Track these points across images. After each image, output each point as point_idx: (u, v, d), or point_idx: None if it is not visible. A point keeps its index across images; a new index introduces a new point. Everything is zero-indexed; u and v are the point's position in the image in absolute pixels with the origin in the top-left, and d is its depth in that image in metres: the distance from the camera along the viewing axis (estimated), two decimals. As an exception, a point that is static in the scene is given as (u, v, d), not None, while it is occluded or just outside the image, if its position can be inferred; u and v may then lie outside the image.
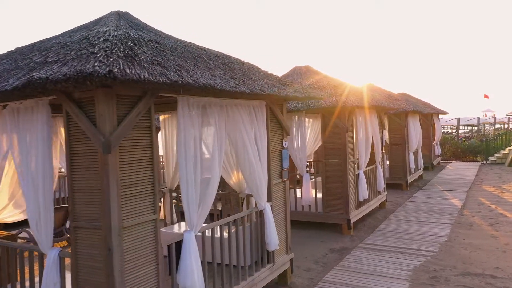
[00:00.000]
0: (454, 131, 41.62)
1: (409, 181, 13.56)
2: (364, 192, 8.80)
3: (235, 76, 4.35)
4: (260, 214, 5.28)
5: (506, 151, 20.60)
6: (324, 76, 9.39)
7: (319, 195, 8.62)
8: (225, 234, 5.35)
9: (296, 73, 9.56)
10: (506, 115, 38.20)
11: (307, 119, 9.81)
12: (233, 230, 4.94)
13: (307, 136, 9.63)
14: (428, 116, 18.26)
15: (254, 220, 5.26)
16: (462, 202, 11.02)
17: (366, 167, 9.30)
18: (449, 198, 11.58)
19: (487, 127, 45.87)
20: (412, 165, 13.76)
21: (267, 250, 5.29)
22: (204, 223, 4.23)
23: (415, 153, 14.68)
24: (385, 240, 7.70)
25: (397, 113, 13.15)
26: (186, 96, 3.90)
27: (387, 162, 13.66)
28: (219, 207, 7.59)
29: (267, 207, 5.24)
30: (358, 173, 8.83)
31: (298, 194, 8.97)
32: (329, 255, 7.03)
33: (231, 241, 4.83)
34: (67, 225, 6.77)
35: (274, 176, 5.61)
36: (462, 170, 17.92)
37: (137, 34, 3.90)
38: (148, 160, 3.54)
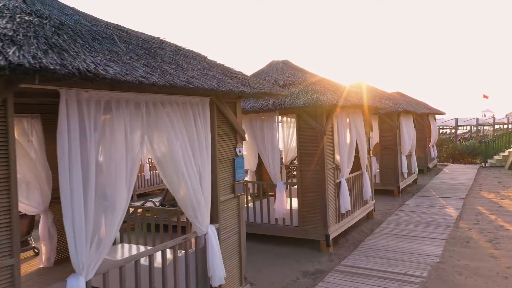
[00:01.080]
0: (453, 131, 40.71)
1: (401, 187, 12.51)
2: (346, 203, 7.74)
3: (154, 64, 3.29)
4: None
5: (506, 153, 19.55)
6: (304, 71, 8.35)
7: (295, 206, 7.57)
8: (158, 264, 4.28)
9: (272, 68, 8.52)
10: (506, 115, 37.13)
11: (289, 120, 8.82)
12: (168, 262, 3.89)
13: (281, 139, 8.56)
14: (424, 116, 17.21)
15: (193, 248, 4.21)
16: (458, 211, 9.97)
17: (349, 174, 8.24)
18: (444, 207, 10.53)
19: (486, 127, 44.85)
20: (405, 170, 12.71)
21: (211, 286, 4.23)
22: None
23: (409, 156, 13.64)
24: (367, 261, 6.63)
25: (389, 113, 12.10)
26: (74, 89, 2.85)
27: (377, 167, 12.61)
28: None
29: (210, 231, 4.18)
30: (340, 182, 7.78)
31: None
32: (300, 281, 5.97)
33: (165, 273, 3.79)
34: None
35: (224, 191, 4.56)
36: (460, 174, 16.88)
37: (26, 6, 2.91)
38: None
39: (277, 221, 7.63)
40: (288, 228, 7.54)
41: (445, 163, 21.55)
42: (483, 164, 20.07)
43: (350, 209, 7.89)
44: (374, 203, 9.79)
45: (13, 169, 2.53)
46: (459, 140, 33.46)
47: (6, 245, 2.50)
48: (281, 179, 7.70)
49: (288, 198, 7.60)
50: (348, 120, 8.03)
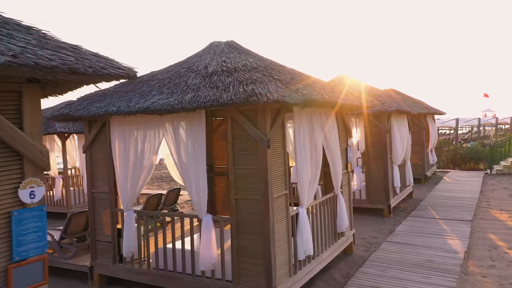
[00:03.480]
0: (452, 131, 38.36)
1: (392, 205, 10.11)
2: (306, 246, 5.33)
3: None
4: None
5: (515, 158, 17.22)
6: (251, 54, 5.95)
7: (228, 256, 5.13)
8: None
9: (210, 50, 6.11)
10: None
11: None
12: None
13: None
14: (421, 117, 14.82)
15: None
16: (465, 244, 7.56)
17: (314, 201, 5.85)
18: (446, 236, 8.12)
19: (487, 128, 42.53)
20: (397, 183, 10.31)
21: None
22: None
23: (402, 166, 11.23)
24: None
25: (377, 114, 9.70)
26: None
27: (363, 180, 10.20)
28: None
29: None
30: (297, 213, 5.38)
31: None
32: None
33: None
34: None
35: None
36: (463, 184, 14.47)
37: None
38: None
39: (203, 273, 5.20)
40: (218, 285, 5.11)
41: (445, 170, 19.16)
42: (488, 171, 17.68)
43: (311, 252, 5.47)
44: (354, 233, 7.38)
45: None
46: (459, 141, 31.15)
47: None
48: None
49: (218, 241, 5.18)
50: (310, 123, 5.62)
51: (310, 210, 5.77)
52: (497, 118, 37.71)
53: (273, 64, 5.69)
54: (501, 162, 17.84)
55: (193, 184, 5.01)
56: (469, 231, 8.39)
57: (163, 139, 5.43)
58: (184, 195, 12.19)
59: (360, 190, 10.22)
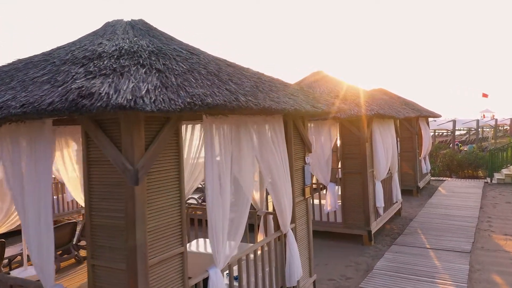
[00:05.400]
0: (450, 133, 36.58)
1: (374, 230, 8.27)
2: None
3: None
4: None
5: (519, 166, 15.44)
6: (168, 38, 4.14)
7: None
8: None
9: (102, 31, 4.26)
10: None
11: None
12: None
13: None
14: (412, 120, 13.00)
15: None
16: (462, 292, 5.74)
17: (239, 254, 4.00)
18: (438, 278, 6.29)
19: (486, 129, 40.79)
20: (380, 203, 8.47)
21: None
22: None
23: (387, 181, 9.41)
24: None
25: (353, 119, 7.85)
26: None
27: (338, 199, 8.37)
28: None
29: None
30: (207, 278, 3.54)
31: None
32: None
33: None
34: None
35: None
36: (460, 197, 12.64)
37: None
38: None
39: None
40: None
41: (441, 178, 17.35)
42: (488, 180, 15.88)
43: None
44: (315, 280, 5.54)
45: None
46: (457, 144, 29.37)
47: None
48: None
49: None
50: (230, 137, 3.76)
51: (238, 265, 3.92)
52: (496, 120, 35.93)
53: (192, 51, 3.86)
54: (502, 170, 16.04)
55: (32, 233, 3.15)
56: (468, 270, 6.55)
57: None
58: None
59: (335, 211, 8.39)
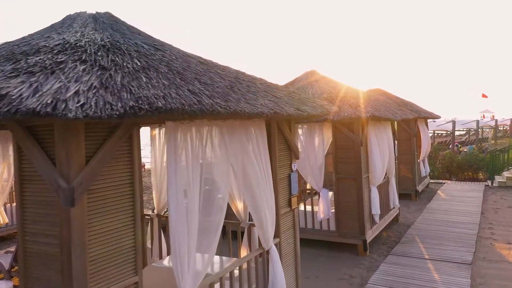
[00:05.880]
0: (449, 133, 36.06)
1: (370, 239, 7.79)
2: None
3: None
4: None
5: (521, 169, 14.96)
6: (132, 29, 3.66)
7: None
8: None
9: (64, 23, 3.77)
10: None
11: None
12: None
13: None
14: (411, 122, 12.52)
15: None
16: (463, 311, 5.26)
17: (208, 278, 3.53)
18: (438, 293, 5.81)
19: (486, 129, 40.32)
20: (376, 211, 7.98)
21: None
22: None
23: (384, 186, 8.92)
24: None
25: (348, 122, 7.37)
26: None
27: (330, 206, 7.89)
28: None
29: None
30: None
31: None
32: None
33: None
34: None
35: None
36: (460, 202, 12.16)
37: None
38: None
39: None
40: None
41: (440, 180, 16.86)
42: (488, 183, 15.40)
43: None
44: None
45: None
46: (456, 145, 28.88)
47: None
48: None
49: None
50: (198, 144, 3.29)
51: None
52: (496, 120, 35.46)
53: (158, 47, 3.38)
54: (503, 173, 15.56)
55: None
56: (469, 285, 6.07)
57: None
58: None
59: (328, 219, 7.90)
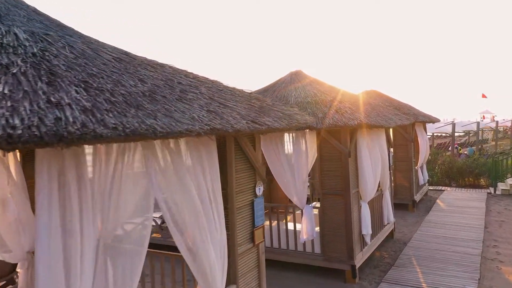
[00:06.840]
0: (448, 134, 35.05)
1: (359, 264, 6.82)
2: None
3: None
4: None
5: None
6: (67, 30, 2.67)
7: None
8: None
9: None
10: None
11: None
12: None
13: None
14: (407, 126, 11.55)
15: None
16: None
17: None
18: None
19: (486, 130, 39.37)
20: (367, 230, 7.01)
21: None
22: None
23: (377, 199, 7.95)
24: None
25: (334, 130, 6.40)
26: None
27: (314, 226, 6.91)
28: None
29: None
30: None
31: None
32: None
33: None
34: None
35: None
36: (461, 213, 11.19)
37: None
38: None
39: None
40: None
41: (439, 187, 15.90)
42: (491, 190, 14.44)
43: None
44: None
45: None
46: (456, 147, 27.90)
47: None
48: None
49: None
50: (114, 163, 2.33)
51: None
52: (497, 122, 34.50)
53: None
54: (507, 180, 14.61)
55: None
56: (475, 327, 5.11)
57: None
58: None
59: (312, 240, 6.93)
